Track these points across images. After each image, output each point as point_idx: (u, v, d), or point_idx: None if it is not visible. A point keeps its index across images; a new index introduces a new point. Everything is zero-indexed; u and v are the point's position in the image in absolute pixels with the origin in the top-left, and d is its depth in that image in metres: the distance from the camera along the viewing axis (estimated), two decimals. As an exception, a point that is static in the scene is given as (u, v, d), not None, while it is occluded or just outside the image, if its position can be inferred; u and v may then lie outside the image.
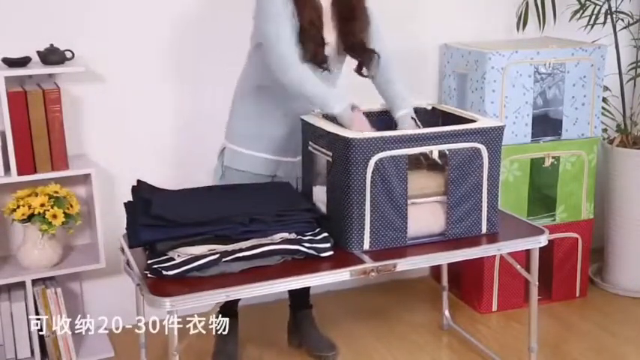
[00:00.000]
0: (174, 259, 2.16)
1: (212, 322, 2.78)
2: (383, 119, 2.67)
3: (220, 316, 2.80)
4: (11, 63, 2.71)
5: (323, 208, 2.45)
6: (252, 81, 2.59)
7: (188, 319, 2.31)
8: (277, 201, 2.37)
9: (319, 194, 2.49)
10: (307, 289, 2.89)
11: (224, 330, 2.83)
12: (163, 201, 2.30)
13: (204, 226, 2.19)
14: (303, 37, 2.41)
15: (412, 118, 2.57)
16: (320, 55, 2.45)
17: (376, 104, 2.69)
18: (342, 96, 2.42)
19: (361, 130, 2.31)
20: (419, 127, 2.54)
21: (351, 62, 2.63)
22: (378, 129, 2.39)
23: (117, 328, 3.10)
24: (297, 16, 2.40)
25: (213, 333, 2.84)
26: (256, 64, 2.55)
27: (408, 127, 2.51)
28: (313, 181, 2.53)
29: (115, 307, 3.09)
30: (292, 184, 2.63)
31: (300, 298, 2.92)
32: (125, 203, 2.42)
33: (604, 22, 3.36)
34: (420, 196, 2.38)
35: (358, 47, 2.53)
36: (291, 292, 2.89)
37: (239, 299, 2.66)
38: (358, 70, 2.60)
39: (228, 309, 2.77)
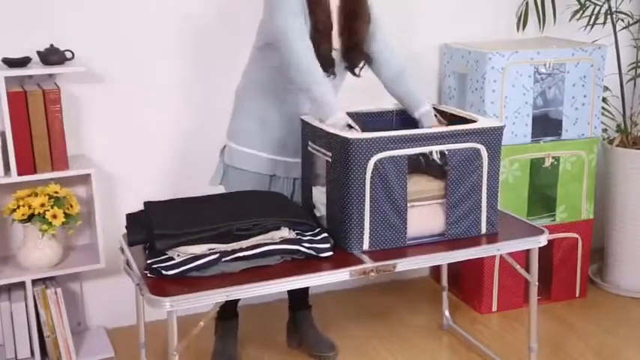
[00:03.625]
0: (173, 259, 2.16)
1: (212, 321, 2.79)
2: (382, 119, 2.67)
3: (220, 316, 2.81)
4: (11, 63, 2.71)
5: (323, 209, 2.45)
6: (254, 80, 2.59)
7: (188, 319, 2.31)
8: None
9: (319, 195, 2.49)
10: (306, 289, 2.89)
11: (224, 330, 2.83)
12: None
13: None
14: (314, 38, 2.42)
15: (434, 115, 2.60)
16: (329, 58, 2.47)
17: (378, 104, 2.69)
18: (337, 110, 2.38)
19: None
20: (443, 123, 2.56)
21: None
22: (377, 129, 2.39)
23: (117, 328, 3.12)
24: (310, 16, 2.41)
25: (213, 333, 2.84)
26: (260, 62, 2.56)
27: (431, 124, 2.55)
28: (313, 182, 2.53)
29: (115, 307, 3.09)
30: (290, 184, 2.65)
31: (299, 298, 2.92)
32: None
33: (604, 22, 3.36)
34: (420, 200, 2.38)
35: (357, 48, 2.54)
36: (290, 292, 2.89)
37: (238, 299, 2.66)
38: (351, 70, 2.60)
39: (228, 309, 2.77)
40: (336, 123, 2.35)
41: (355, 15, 2.51)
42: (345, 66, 2.59)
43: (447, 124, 2.54)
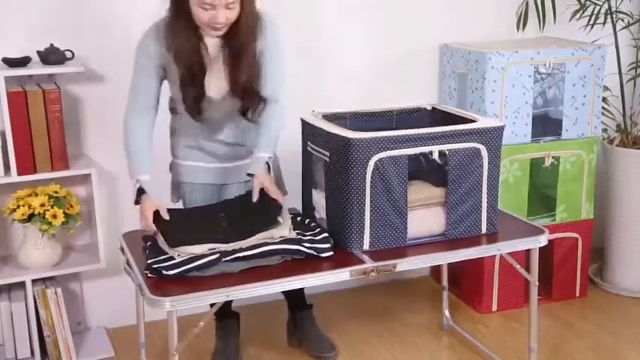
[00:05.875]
0: (174, 259, 2.16)
1: (212, 321, 2.78)
2: (382, 119, 2.67)
3: (218, 316, 2.80)
4: (11, 63, 2.71)
5: (322, 212, 2.45)
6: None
7: (188, 319, 2.31)
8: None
9: (318, 197, 2.48)
10: (301, 289, 2.87)
11: (223, 330, 2.83)
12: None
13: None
14: (181, 86, 2.41)
15: (267, 163, 2.44)
16: (193, 106, 2.42)
17: (378, 104, 2.70)
18: (137, 173, 2.38)
19: (144, 214, 2.33)
20: (269, 174, 2.44)
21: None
22: (377, 129, 2.38)
23: (117, 328, 3.11)
24: (175, 65, 2.37)
25: (215, 335, 2.84)
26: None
27: (259, 171, 2.40)
28: (312, 184, 2.53)
29: (115, 307, 3.09)
30: (242, 188, 2.59)
31: (296, 299, 2.91)
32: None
33: (604, 22, 3.36)
34: (421, 207, 2.39)
35: (243, 91, 2.42)
36: (285, 294, 2.88)
37: (231, 300, 2.65)
38: (242, 113, 2.48)
39: (224, 309, 2.77)
40: (135, 185, 2.38)
41: (238, 59, 2.37)
42: (237, 110, 2.49)
43: (270, 182, 2.42)
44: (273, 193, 2.40)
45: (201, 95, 2.41)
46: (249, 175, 2.43)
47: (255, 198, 2.38)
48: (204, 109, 2.44)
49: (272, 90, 2.46)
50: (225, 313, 2.80)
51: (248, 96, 2.43)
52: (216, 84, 2.42)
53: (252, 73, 2.41)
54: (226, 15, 2.27)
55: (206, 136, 2.55)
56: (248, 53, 2.38)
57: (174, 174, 2.64)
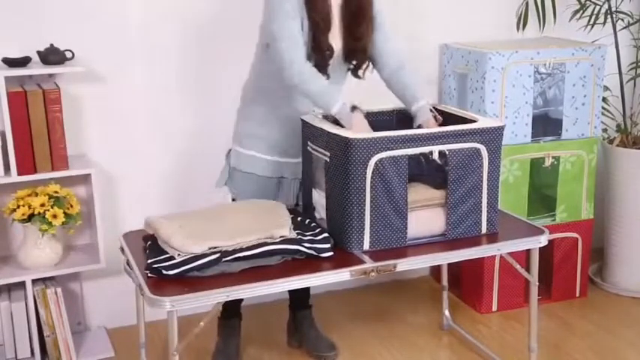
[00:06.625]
0: (174, 259, 2.16)
1: (213, 321, 2.78)
2: (382, 119, 2.67)
3: (222, 315, 2.81)
4: (11, 63, 2.71)
5: (322, 212, 2.45)
6: (257, 83, 2.59)
7: (188, 319, 2.31)
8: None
9: (318, 197, 2.48)
10: (307, 289, 2.89)
11: (226, 330, 2.83)
12: None
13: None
14: (310, 39, 2.42)
15: (430, 109, 2.58)
16: (323, 59, 2.46)
17: (378, 104, 2.69)
18: (339, 95, 2.41)
19: (359, 131, 2.32)
20: (438, 119, 2.56)
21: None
22: (377, 129, 2.38)
23: (117, 328, 3.11)
24: (308, 15, 2.40)
25: (217, 334, 2.84)
26: (262, 65, 2.55)
27: (426, 118, 2.53)
28: (313, 184, 2.52)
29: (115, 307, 3.09)
30: (297, 185, 2.66)
31: (300, 298, 2.92)
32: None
33: (604, 22, 3.36)
34: (421, 207, 2.39)
35: (360, 51, 2.54)
36: (291, 292, 2.90)
37: (242, 299, 2.66)
38: (354, 72, 2.60)
39: (231, 309, 2.77)
40: (341, 109, 2.37)
41: (359, 18, 2.49)
42: (347, 68, 2.59)
43: (442, 121, 2.56)
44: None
45: (328, 48, 2.46)
46: (419, 126, 2.53)
47: None
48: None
49: (394, 45, 2.61)
50: (231, 312, 2.81)
51: (363, 55, 2.54)
52: (333, 42, 2.48)
53: (369, 33, 2.52)
54: None
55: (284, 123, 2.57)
56: (368, 13, 2.50)
57: (232, 162, 2.65)
